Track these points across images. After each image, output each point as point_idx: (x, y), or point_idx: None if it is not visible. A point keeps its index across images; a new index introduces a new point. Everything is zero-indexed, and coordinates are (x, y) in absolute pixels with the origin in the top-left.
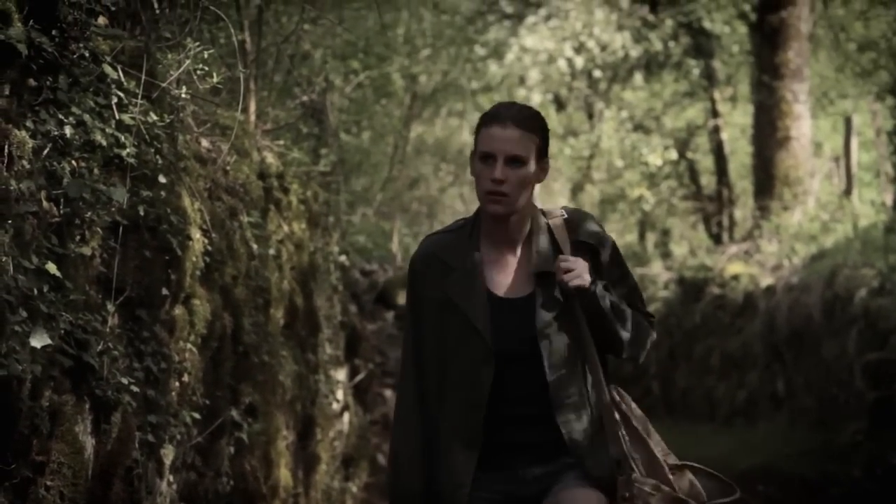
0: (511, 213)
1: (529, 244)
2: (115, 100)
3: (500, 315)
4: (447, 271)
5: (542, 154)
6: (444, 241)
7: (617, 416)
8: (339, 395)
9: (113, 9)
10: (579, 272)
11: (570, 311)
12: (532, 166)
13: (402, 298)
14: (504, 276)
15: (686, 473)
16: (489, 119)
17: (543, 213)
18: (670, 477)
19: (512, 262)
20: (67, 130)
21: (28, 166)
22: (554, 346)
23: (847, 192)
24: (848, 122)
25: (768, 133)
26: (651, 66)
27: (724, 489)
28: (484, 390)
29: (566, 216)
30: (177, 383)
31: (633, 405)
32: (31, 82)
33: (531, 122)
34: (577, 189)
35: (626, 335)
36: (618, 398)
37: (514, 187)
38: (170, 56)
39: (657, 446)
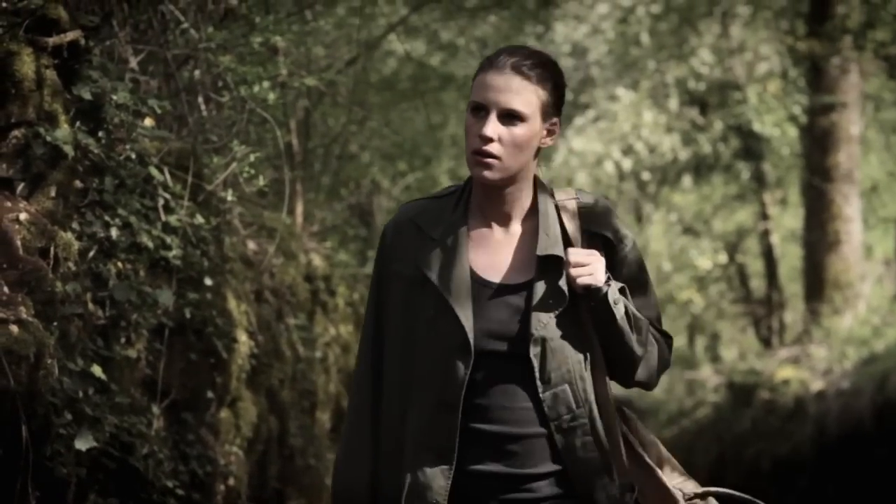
0: (502, 182)
1: (529, 224)
2: (161, 202)
3: (484, 302)
4: (424, 242)
5: (551, 113)
6: (425, 208)
7: (621, 440)
8: None
9: (159, 111)
10: (593, 268)
11: (576, 312)
12: (534, 126)
13: None
14: (494, 258)
15: (710, 503)
16: (486, 63)
17: (552, 192)
18: None
19: (505, 242)
20: (113, 232)
21: (74, 268)
22: (551, 352)
23: None
24: None
25: (818, 236)
26: (700, 168)
27: None
28: (458, 387)
29: (580, 199)
30: (222, 486)
31: (641, 428)
32: (78, 184)
33: (538, 71)
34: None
35: (640, 351)
36: (625, 427)
37: (508, 149)
38: (216, 158)
39: (671, 473)
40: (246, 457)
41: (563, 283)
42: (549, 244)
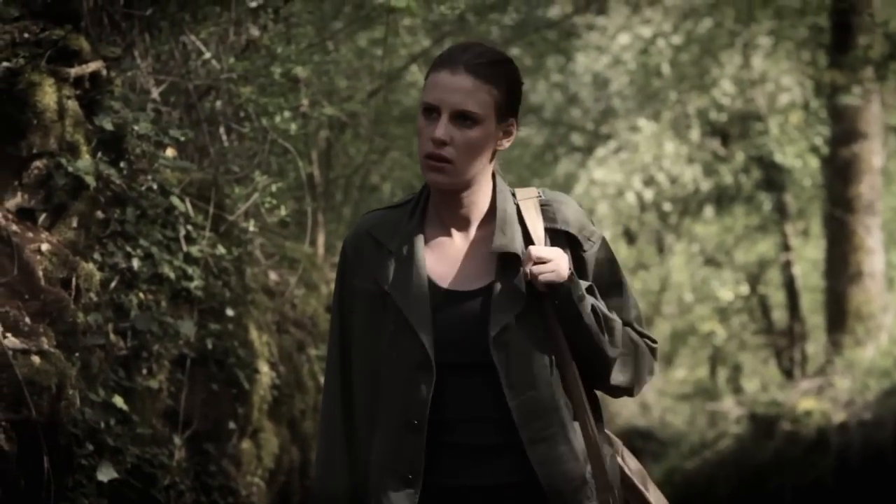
0: (456, 186)
1: (489, 227)
2: (182, 232)
3: (444, 312)
4: (381, 255)
5: (506, 113)
6: (382, 219)
7: (608, 461)
8: None
9: (181, 140)
10: (555, 265)
11: (539, 312)
12: (489, 127)
13: None
14: (453, 265)
15: None
16: (438, 62)
17: (513, 192)
18: None
19: (464, 248)
20: (135, 263)
21: (95, 299)
22: (515, 356)
23: None
24: None
25: (840, 268)
26: (722, 199)
27: None
28: (422, 406)
29: (542, 198)
30: None
31: (627, 453)
32: (99, 214)
33: (491, 70)
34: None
35: (613, 352)
36: (614, 445)
37: (462, 152)
38: (238, 189)
39: (659, 501)
40: (268, 488)
41: (519, 281)
42: (505, 242)
